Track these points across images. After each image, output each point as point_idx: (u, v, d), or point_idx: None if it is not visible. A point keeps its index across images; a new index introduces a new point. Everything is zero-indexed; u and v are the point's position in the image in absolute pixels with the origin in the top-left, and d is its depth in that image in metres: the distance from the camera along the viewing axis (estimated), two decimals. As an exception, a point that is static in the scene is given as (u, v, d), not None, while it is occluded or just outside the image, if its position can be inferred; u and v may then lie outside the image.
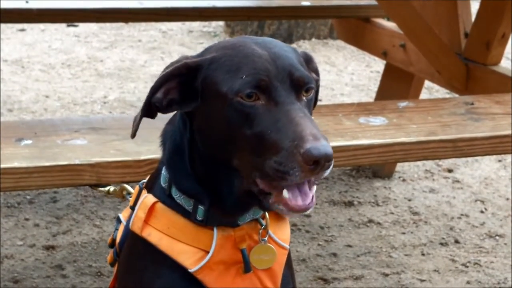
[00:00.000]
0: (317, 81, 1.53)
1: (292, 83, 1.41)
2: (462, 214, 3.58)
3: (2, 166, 1.96)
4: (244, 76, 1.38)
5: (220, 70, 1.41)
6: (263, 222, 1.52)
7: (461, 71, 3.22)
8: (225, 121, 1.40)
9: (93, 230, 3.27)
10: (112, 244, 1.66)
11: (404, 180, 3.89)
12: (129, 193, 1.81)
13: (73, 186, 2.04)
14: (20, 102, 4.60)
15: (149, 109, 1.47)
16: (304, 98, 1.43)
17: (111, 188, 1.91)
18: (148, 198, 1.52)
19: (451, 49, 3.27)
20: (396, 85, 3.74)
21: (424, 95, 4.63)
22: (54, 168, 2.00)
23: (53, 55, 5.41)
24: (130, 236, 1.56)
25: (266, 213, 1.52)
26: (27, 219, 3.33)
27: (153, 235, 1.50)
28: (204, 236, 1.49)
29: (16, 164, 1.98)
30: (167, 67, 1.46)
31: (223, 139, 1.41)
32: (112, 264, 1.66)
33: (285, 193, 1.37)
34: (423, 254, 3.26)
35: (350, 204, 3.63)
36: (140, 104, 4.58)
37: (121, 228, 1.64)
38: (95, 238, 3.21)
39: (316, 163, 1.33)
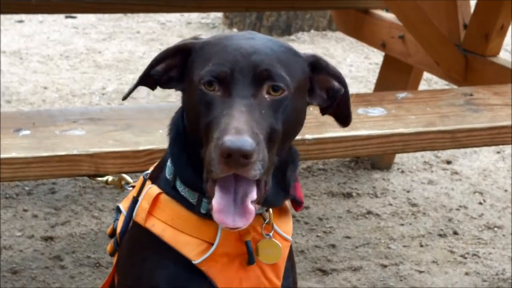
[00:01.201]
0: (339, 91, 1.54)
1: (254, 77, 1.40)
2: (460, 206, 3.59)
3: (1, 156, 1.96)
4: (210, 65, 1.41)
5: (201, 57, 1.45)
6: (267, 216, 1.52)
7: (460, 62, 3.22)
8: (194, 106, 1.44)
9: (91, 221, 3.27)
10: (112, 234, 1.66)
11: (402, 171, 3.89)
12: (127, 183, 1.81)
13: (72, 176, 2.05)
14: (18, 93, 4.59)
15: (147, 80, 1.51)
16: (266, 96, 1.41)
17: (110, 178, 1.91)
18: (152, 189, 1.52)
19: (450, 41, 3.27)
20: (395, 77, 3.74)
21: (422, 86, 4.63)
22: (52, 158, 2.00)
23: (52, 47, 5.40)
24: (133, 227, 1.55)
25: (270, 210, 1.53)
26: (25, 210, 3.33)
27: (156, 226, 1.50)
28: (209, 228, 1.49)
29: (14, 154, 1.98)
30: (173, 45, 1.51)
31: (196, 123, 1.44)
32: (112, 254, 1.66)
33: (214, 199, 1.39)
34: (421, 246, 3.26)
35: (348, 195, 3.64)
36: (138, 96, 4.60)
37: (122, 218, 1.63)
38: (94, 229, 3.21)
39: (229, 156, 1.32)
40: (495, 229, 3.41)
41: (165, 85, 1.51)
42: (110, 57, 5.27)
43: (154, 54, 5.40)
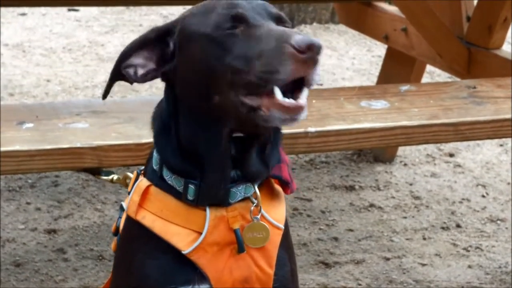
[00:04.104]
0: None
1: (269, 16, 1.42)
2: (463, 199, 3.59)
3: (4, 149, 1.97)
4: (219, 11, 1.41)
5: (196, 18, 1.44)
6: (255, 200, 1.51)
7: (463, 55, 3.22)
8: (205, 60, 1.40)
9: (94, 214, 3.27)
10: (116, 232, 1.67)
11: (405, 164, 3.89)
12: (130, 179, 1.81)
13: (75, 169, 2.05)
14: (21, 86, 4.59)
15: (118, 77, 1.50)
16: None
17: (115, 177, 1.91)
18: (142, 182, 1.53)
19: (453, 33, 3.26)
20: (398, 69, 3.74)
21: (425, 79, 4.62)
22: (55, 151, 2.01)
23: (54, 40, 5.40)
24: (126, 221, 1.56)
25: (257, 191, 1.51)
26: (28, 203, 3.34)
27: (147, 218, 1.50)
28: (197, 217, 1.48)
29: (17, 147, 1.98)
30: (138, 37, 1.50)
31: (203, 81, 1.41)
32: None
33: (277, 92, 1.34)
34: (424, 239, 3.26)
35: (351, 188, 3.64)
36: (141, 88, 4.59)
37: (124, 216, 1.63)
38: (97, 222, 3.22)
39: (309, 49, 1.30)
40: (498, 222, 3.41)
41: (143, 79, 1.48)
42: (113, 50, 5.27)
43: (156, 47, 5.43)
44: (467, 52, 3.22)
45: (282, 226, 1.54)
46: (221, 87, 1.40)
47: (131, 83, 1.50)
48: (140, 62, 1.48)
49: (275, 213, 1.54)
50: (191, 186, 1.47)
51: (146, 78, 1.48)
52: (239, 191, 1.49)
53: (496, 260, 3.13)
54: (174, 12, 6.11)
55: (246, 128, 1.44)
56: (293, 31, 1.35)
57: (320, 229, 3.29)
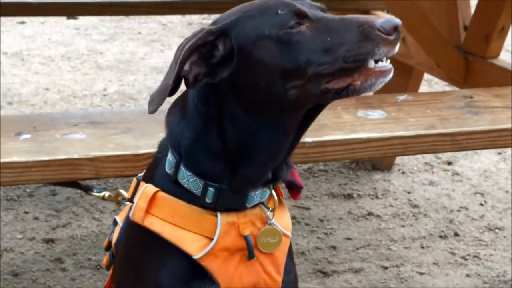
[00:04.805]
0: None
1: (319, 9, 1.47)
2: (461, 207, 3.59)
3: (2, 160, 1.97)
4: (279, 12, 1.42)
5: (253, 20, 1.43)
6: (266, 208, 1.52)
7: (460, 64, 3.22)
8: (275, 60, 1.41)
9: (92, 223, 3.28)
10: (108, 247, 1.66)
11: (403, 172, 3.89)
12: (124, 198, 1.79)
13: (72, 180, 2.05)
14: (20, 95, 4.60)
15: (178, 84, 1.43)
16: None
17: (106, 194, 1.90)
18: (148, 188, 1.51)
19: (450, 42, 3.27)
20: (396, 78, 3.65)
21: (423, 87, 4.63)
22: (53, 162, 2.01)
23: (53, 48, 5.40)
24: (131, 228, 1.55)
25: (274, 194, 1.52)
26: (26, 212, 3.34)
27: (155, 224, 1.49)
28: (208, 223, 1.49)
29: (15, 158, 1.99)
30: (189, 38, 1.44)
31: (274, 81, 1.41)
32: (108, 267, 1.66)
33: (371, 63, 1.42)
34: (422, 247, 3.26)
35: (349, 196, 3.64)
36: (139, 97, 4.60)
37: (117, 230, 1.63)
38: (95, 231, 3.22)
39: (395, 30, 1.40)
40: (496, 230, 3.41)
41: (193, 85, 1.44)
42: (112, 58, 5.28)
43: (155, 55, 5.44)
44: (464, 61, 3.23)
45: (290, 234, 1.56)
46: (299, 83, 1.42)
47: (188, 87, 1.46)
48: (190, 66, 1.45)
49: (283, 221, 1.56)
50: (211, 189, 1.47)
51: (197, 83, 1.44)
52: (256, 195, 1.50)
53: (494, 269, 3.14)
54: (173, 20, 6.12)
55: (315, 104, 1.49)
56: (371, 17, 1.42)
57: (318, 237, 3.29)
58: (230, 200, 1.48)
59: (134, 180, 1.59)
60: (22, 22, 5.86)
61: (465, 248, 3.27)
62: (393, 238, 3.32)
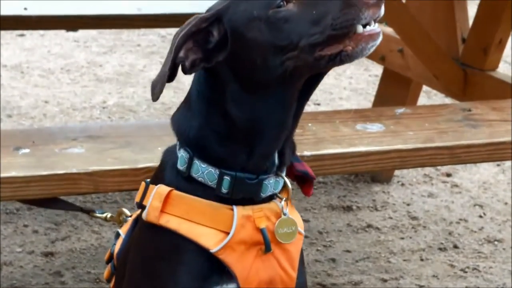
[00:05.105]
0: None
1: None
2: (460, 219, 3.59)
3: (0, 175, 1.97)
4: None
5: (242, 4, 1.47)
6: (279, 202, 1.54)
7: (458, 76, 3.23)
8: (267, 39, 1.45)
9: (91, 236, 3.28)
10: (109, 260, 1.66)
11: (403, 184, 3.90)
12: (126, 216, 1.81)
13: (71, 195, 2.06)
14: (19, 107, 4.61)
15: (175, 71, 1.48)
16: None
17: (108, 215, 1.91)
18: (162, 188, 1.53)
19: (449, 54, 3.28)
20: (394, 90, 3.75)
21: (422, 98, 4.64)
22: (51, 177, 2.01)
23: (53, 60, 5.42)
24: (143, 230, 1.55)
25: (288, 182, 1.54)
26: (26, 226, 3.34)
27: (171, 221, 1.50)
28: (224, 217, 1.50)
29: (14, 173, 1.99)
30: (183, 27, 1.48)
31: (270, 57, 1.45)
32: (109, 280, 1.66)
33: (360, 28, 1.46)
34: (421, 260, 3.26)
35: (348, 209, 3.64)
36: (139, 109, 4.61)
37: (119, 241, 1.64)
38: (94, 244, 3.22)
39: None
40: (496, 242, 3.41)
41: (190, 71, 1.48)
42: (111, 70, 5.29)
43: (154, 67, 5.46)
44: (462, 73, 3.23)
45: (303, 232, 1.58)
46: (293, 55, 1.45)
47: (185, 73, 1.49)
48: (184, 54, 1.48)
49: (295, 217, 1.57)
50: (227, 178, 1.49)
51: (194, 68, 1.48)
52: (270, 184, 1.52)
53: (493, 281, 3.13)
54: (172, 32, 6.13)
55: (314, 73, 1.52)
56: None
57: (317, 250, 3.29)
58: (246, 188, 1.50)
59: (142, 184, 1.60)
60: (22, 35, 5.87)
61: (465, 260, 3.27)
62: (393, 250, 3.32)
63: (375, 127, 2.40)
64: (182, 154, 1.52)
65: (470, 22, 3.33)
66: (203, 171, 1.50)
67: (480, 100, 2.91)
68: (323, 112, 2.58)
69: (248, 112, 1.48)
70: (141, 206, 1.56)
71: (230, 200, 1.51)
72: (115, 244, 1.66)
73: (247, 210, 1.51)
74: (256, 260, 1.51)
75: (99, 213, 1.96)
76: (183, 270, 1.49)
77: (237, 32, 1.46)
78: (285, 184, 1.55)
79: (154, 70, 5.35)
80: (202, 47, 1.47)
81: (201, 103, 1.51)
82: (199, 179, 1.50)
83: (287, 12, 1.45)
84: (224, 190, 1.50)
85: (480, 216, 3.62)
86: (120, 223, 1.81)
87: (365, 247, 3.33)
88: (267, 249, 1.51)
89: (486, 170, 4.06)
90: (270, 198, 1.54)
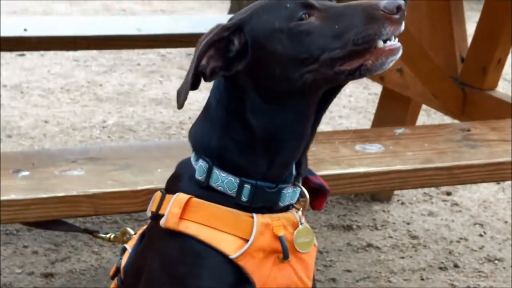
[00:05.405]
0: None
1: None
2: (461, 238, 3.59)
3: (0, 198, 1.97)
4: (287, 5, 1.48)
5: (264, 15, 1.49)
6: (296, 211, 1.56)
7: (457, 95, 3.24)
8: (288, 51, 1.47)
9: (91, 257, 3.27)
10: (115, 275, 1.67)
11: (403, 203, 3.89)
12: (130, 235, 1.82)
13: (71, 217, 2.05)
14: (19, 127, 4.61)
15: (197, 79, 1.50)
16: None
17: (112, 235, 1.92)
18: (181, 195, 1.54)
19: (447, 74, 3.29)
20: (394, 109, 3.76)
21: (421, 117, 4.65)
22: (51, 200, 2.01)
23: (52, 80, 5.43)
24: (162, 237, 1.55)
25: (306, 193, 1.57)
26: (25, 246, 3.33)
27: (191, 227, 1.51)
28: (244, 224, 1.52)
29: (13, 196, 1.99)
30: (206, 35, 1.51)
31: (289, 69, 1.47)
32: None
33: (380, 43, 1.47)
34: (422, 279, 3.25)
35: (349, 228, 3.64)
36: (138, 128, 4.61)
37: (126, 256, 1.66)
38: (94, 265, 3.21)
39: (399, 9, 1.46)
40: (496, 261, 3.40)
41: (210, 78, 1.51)
42: (111, 89, 5.30)
43: (154, 86, 5.47)
44: (461, 93, 3.24)
45: (316, 243, 1.60)
46: (314, 68, 1.47)
47: (205, 81, 1.52)
48: (206, 62, 1.51)
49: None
50: (247, 186, 1.51)
51: (214, 76, 1.51)
52: (288, 194, 1.54)
53: (494, 300, 3.13)
54: (172, 51, 6.15)
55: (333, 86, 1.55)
56: (375, 1, 1.48)
57: (317, 269, 3.28)
58: (266, 197, 1.52)
59: (158, 194, 1.60)
60: (22, 54, 5.89)
61: (465, 279, 3.26)
62: (393, 270, 3.31)
63: (374, 148, 2.40)
64: (201, 164, 1.53)
65: (469, 41, 3.34)
66: (223, 180, 1.52)
67: (479, 119, 2.91)
68: (322, 133, 2.58)
69: (267, 122, 1.50)
70: (157, 216, 1.57)
71: (249, 208, 1.52)
72: (121, 259, 1.68)
73: (266, 218, 1.53)
74: (274, 268, 1.53)
75: (103, 234, 1.96)
76: (206, 274, 1.50)
77: (258, 43, 1.49)
78: (300, 195, 1.57)
79: (154, 89, 5.36)
80: (222, 55, 1.50)
81: (220, 112, 1.53)
82: (218, 188, 1.52)
83: (309, 25, 1.47)
84: (244, 198, 1.51)
85: (480, 235, 3.62)
86: (124, 243, 1.81)
87: (365, 267, 3.32)
88: (285, 257, 1.53)
89: (486, 189, 4.06)
90: (286, 208, 1.56)
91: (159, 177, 2.12)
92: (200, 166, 1.53)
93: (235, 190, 1.51)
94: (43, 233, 3.44)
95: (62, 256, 3.27)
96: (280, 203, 1.54)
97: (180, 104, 1.49)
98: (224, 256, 1.50)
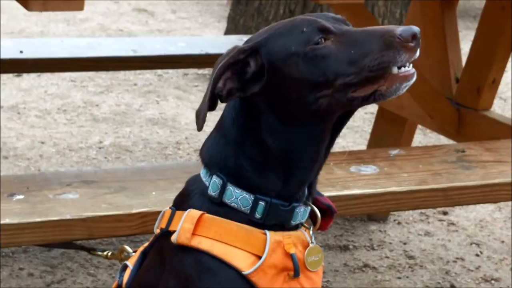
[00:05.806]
0: None
1: (341, 22, 1.55)
2: (457, 258, 3.58)
3: (-6, 223, 1.97)
4: (304, 30, 1.50)
5: (281, 39, 1.51)
6: (305, 230, 1.58)
7: (452, 115, 3.25)
8: (303, 75, 1.49)
9: (87, 279, 3.26)
10: None
11: (399, 223, 3.89)
12: (128, 253, 1.83)
13: (65, 241, 2.05)
14: (15, 149, 4.61)
15: (214, 101, 1.52)
16: None
17: (109, 253, 1.92)
18: (193, 211, 1.55)
19: (442, 94, 3.30)
20: (389, 129, 3.76)
21: (418, 136, 4.65)
22: (45, 223, 2.01)
23: (49, 101, 5.43)
24: (174, 253, 1.55)
25: (318, 213, 1.59)
26: (21, 269, 3.33)
27: (204, 243, 1.52)
28: (257, 240, 1.53)
29: (7, 220, 1.99)
30: (223, 57, 1.53)
31: (305, 93, 1.49)
32: None
33: (395, 69, 1.48)
34: (418, 300, 3.25)
35: (345, 248, 3.63)
36: (135, 149, 4.61)
37: (127, 272, 1.66)
38: (89, 287, 3.20)
39: (414, 37, 1.46)
40: (492, 281, 3.40)
41: (226, 99, 1.53)
42: (107, 110, 5.30)
43: (150, 106, 5.47)
44: (456, 113, 3.25)
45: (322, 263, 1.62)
46: (328, 93, 1.49)
47: (222, 101, 1.54)
48: (222, 83, 1.53)
49: None
50: (261, 203, 1.52)
51: (230, 98, 1.53)
52: (300, 212, 1.56)
53: (491, 321, 3.12)
54: (168, 71, 6.16)
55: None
56: (391, 27, 1.49)
57: (314, 291, 3.28)
58: (279, 214, 1.54)
59: (168, 210, 1.61)
60: (18, 75, 5.90)
61: (462, 300, 3.26)
62: (390, 290, 3.31)
63: (369, 169, 2.41)
64: (214, 180, 1.54)
65: (464, 61, 3.36)
66: (237, 197, 1.53)
67: (474, 139, 2.92)
68: (317, 154, 2.59)
69: (283, 142, 1.52)
70: (166, 233, 1.57)
71: (261, 225, 1.54)
72: (122, 275, 1.69)
73: (278, 235, 1.54)
74: (284, 285, 1.54)
75: (100, 251, 1.97)
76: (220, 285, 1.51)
77: (274, 66, 1.50)
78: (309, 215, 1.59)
79: (151, 109, 5.37)
80: (239, 77, 1.52)
81: (236, 131, 1.54)
82: (232, 204, 1.54)
83: (325, 49, 1.49)
84: (258, 215, 1.53)
85: (477, 255, 3.61)
86: (122, 261, 1.82)
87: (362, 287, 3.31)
88: (296, 274, 1.54)
89: (482, 208, 4.06)
90: (296, 226, 1.57)
91: (154, 200, 2.12)
92: (213, 182, 1.55)
93: (249, 207, 1.53)
94: (38, 255, 3.43)
95: (58, 278, 3.26)
96: (292, 222, 1.55)
97: (200, 126, 1.51)
98: (237, 272, 1.51)
